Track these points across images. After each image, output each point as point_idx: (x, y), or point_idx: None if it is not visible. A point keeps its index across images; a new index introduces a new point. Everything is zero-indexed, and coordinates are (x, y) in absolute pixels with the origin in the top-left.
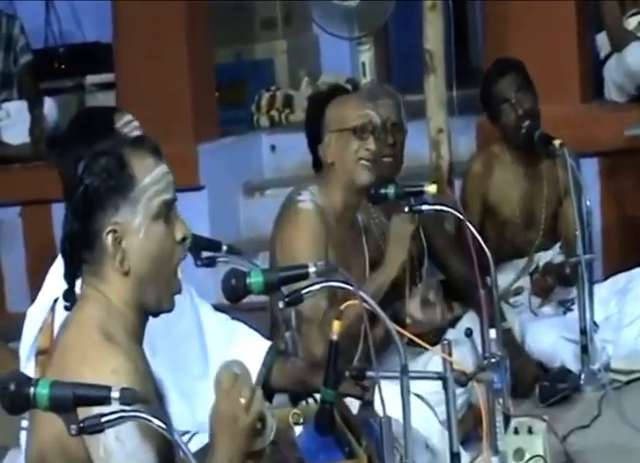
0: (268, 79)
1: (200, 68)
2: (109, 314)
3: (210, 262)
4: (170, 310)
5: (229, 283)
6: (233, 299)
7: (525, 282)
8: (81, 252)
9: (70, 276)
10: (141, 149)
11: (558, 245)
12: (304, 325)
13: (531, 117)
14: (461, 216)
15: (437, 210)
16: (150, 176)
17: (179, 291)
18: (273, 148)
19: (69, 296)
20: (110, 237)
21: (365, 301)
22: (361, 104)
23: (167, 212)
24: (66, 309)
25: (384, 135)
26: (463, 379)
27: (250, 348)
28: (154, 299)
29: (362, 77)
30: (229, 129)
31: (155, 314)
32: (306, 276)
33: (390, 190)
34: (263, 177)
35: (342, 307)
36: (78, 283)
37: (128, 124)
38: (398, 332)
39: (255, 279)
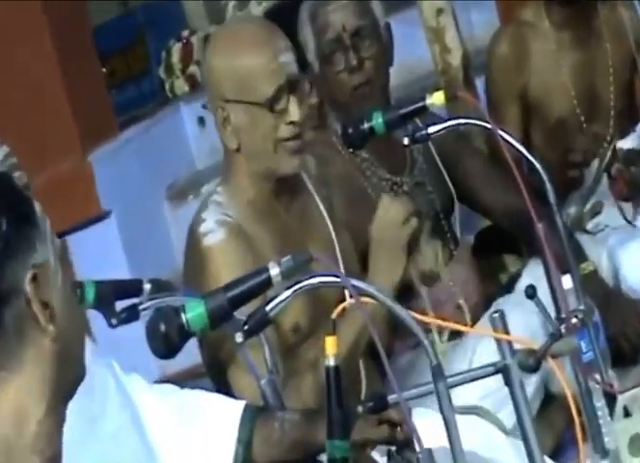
0: (176, 23)
1: (69, 41)
2: None
3: (130, 315)
4: None
5: (157, 329)
6: (167, 352)
7: (604, 193)
8: None
9: None
10: None
11: None
12: (229, 369)
13: None
14: (487, 125)
15: (451, 128)
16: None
17: None
18: (201, 120)
19: None
20: (31, 288)
21: (365, 294)
22: (266, 47)
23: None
24: None
25: (342, 53)
26: (531, 361)
27: (217, 418)
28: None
29: None
30: (133, 114)
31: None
32: (268, 283)
33: (377, 120)
34: (195, 168)
35: (334, 314)
36: None
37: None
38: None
39: (194, 312)
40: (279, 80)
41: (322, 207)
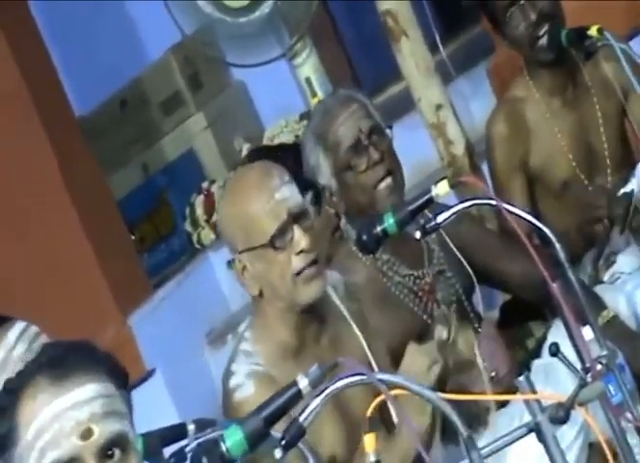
0: (195, 177)
1: (96, 218)
2: None
3: (179, 459)
4: None
5: None
6: None
7: (616, 243)
8: None
9: None
10: (47, 378)
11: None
12: None
13: (551, 17)
14: (491, 201)
15: (462, 212)
16: (36, 423)
17: None
18: (230, 264)
19: None
20: None
21: (394, 386)
22: (260, 191)
23: None
24: None
25: (364, 154)
26: (560, 412)
27: None
28: None
29: (313, 100)
30: (165, 272)
31: None
32: (298, 396)
33: (389, 221)
34: (229, 310)
35: (369, 412)
36: None
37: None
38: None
39: (233, 438)
40: (278, 219)
41: (352, 323)
